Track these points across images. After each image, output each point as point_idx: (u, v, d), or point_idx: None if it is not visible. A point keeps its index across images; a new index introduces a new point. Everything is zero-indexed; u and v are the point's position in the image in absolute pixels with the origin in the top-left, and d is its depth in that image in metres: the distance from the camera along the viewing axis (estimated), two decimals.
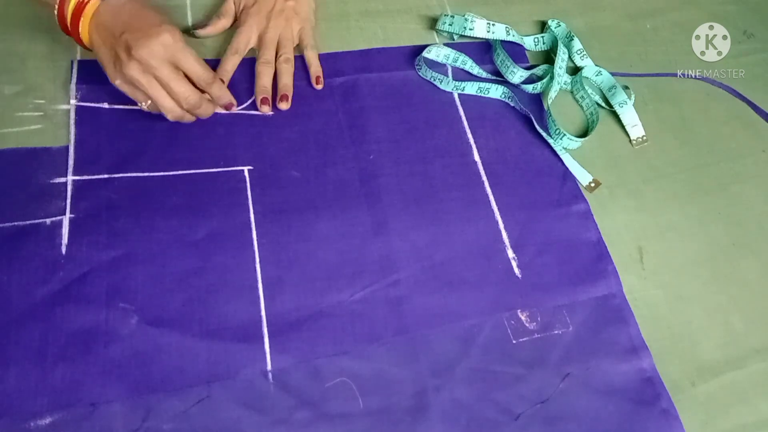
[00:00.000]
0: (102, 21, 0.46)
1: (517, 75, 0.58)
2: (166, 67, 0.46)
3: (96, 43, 0.47)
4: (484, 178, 0.54)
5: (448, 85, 0.58)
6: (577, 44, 0.63)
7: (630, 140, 0.59)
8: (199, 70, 0.48)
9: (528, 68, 0.60)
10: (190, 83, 0.48)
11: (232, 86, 0.53)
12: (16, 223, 0.44)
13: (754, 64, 0.68)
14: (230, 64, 0.54)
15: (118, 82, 0.47)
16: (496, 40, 0.60)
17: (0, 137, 0.47)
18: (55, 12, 0.47)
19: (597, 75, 0.62)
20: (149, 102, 0.47)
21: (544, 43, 0.63)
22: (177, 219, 0.47)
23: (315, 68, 0.56)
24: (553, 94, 0.59)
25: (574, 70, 0.63)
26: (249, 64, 0.55)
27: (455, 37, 0.62)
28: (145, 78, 0.45)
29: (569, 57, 0.63)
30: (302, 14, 0.57)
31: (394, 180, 0.52)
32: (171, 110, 0.47)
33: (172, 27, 0.46)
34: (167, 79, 0.46)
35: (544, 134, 0.57)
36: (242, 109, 0.53)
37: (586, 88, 0.60)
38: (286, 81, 0.54)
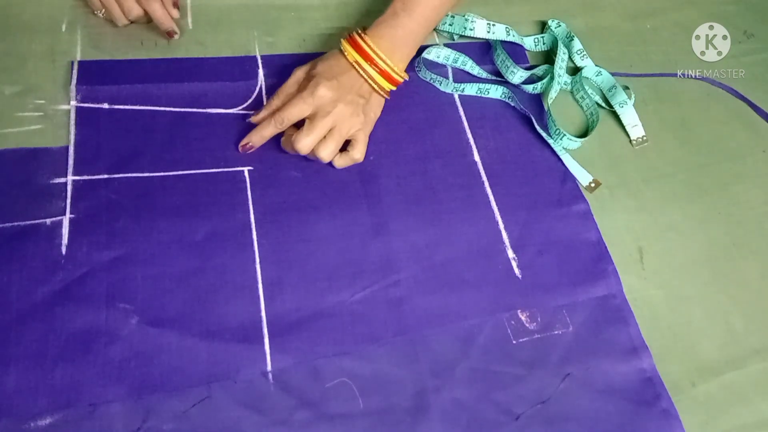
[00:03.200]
0: None
1: (517, 75, 0.58)
2: None
3: None
4: (484, 178, 0.54)
5: (448, 86, 0.58)
6: (577, 44, 0.63)
7: (630, 140, 0.59)
8: None
9: (528, 68, 0.60)
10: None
11: (233, 93, 0.53)
12: (16, 223, 0.44)
13: (754, 64, 0.68)
14: (268, 132, 0.50)
15: None
16: (496, 40, 0.60)
17: (0, 137, 0.47)
18: None
19: (597, 75, 0.62)
20: (104, 11, 0.53)
21: (544, 44, 0.63)
22: (177, 219, 0.47)
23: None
24: (553, 94, 0.59)
25: (574, 71, 0.63)
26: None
27: (455, 37, 0.62)
28: None
29: (569, 57, 0.63)
30: (368, 117, 0.52)
31: (394, 180, 0.52)
32: (119, 19, 0.53)
33: None
34: None
35: (544, 134, 0.57)
36: (242, 110, 0.53)
37: (586, 88, 0.60)
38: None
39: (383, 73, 0.51)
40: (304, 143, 0.48)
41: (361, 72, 0.50)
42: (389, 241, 0.49)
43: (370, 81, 0.51)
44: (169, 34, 0.54)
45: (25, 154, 0.47)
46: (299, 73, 0.51)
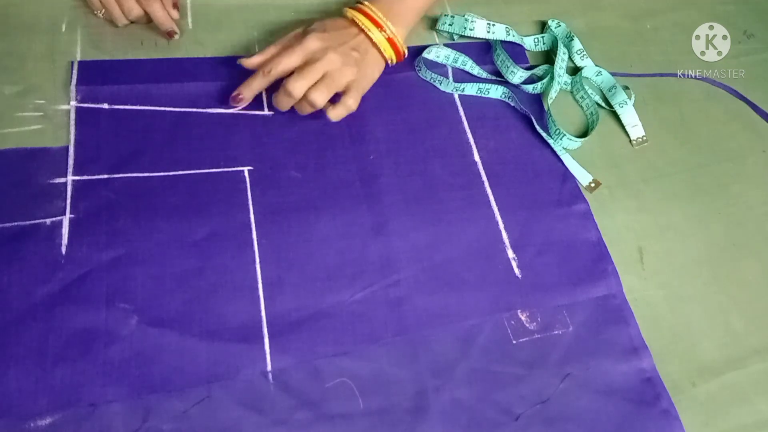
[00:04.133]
0: None
1: (517, 75, 0.58)
2: None
3: None
4: (484, 178, 0.54)
5: (448, 86, 0.58)
6: (577, 44, 0.63)
7: (630, 140, 0.59)
8: None
9: (528, 68, 0.60)
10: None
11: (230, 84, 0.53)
12: (16, 223, 0.44)
13: (754, 64, 0.68)
14: (257, 85, 0.51)
15: None
16: (496, 40, 0.60)
17: (0, 137, 0.47)
18: None
19: (597, 75, 0.62)
20: (103, 11, 0.53)
21: (544, 44, 0.63)
22: (177, 219, 0.47)
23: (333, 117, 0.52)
24: (553, 94, 0.59)
25: (574, 71, 0.63)
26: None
27: (455, 37, 0.62)
28: None
29: (569, 57, 0.63)
30: (363, 72, 0.52)
31: (394, 180, 0.52)
32: (119, 19, 0.53)
33: None
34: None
35: (544, 134, 0.57)
36: (242, 109, 0.53)
37: (586, 88, 0.60)
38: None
39: (390, 41, 0.53)
40: (295, 86, 0.49)
41: (370, 35, 0.52)
42: (389, 241, 0.49)
43: (379, 47, 0.53)
44: (169, 35, 0.54)
45: (25, 154, 0.47)
46: (298, 30, 0.53)
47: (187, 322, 0.43)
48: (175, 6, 0.55)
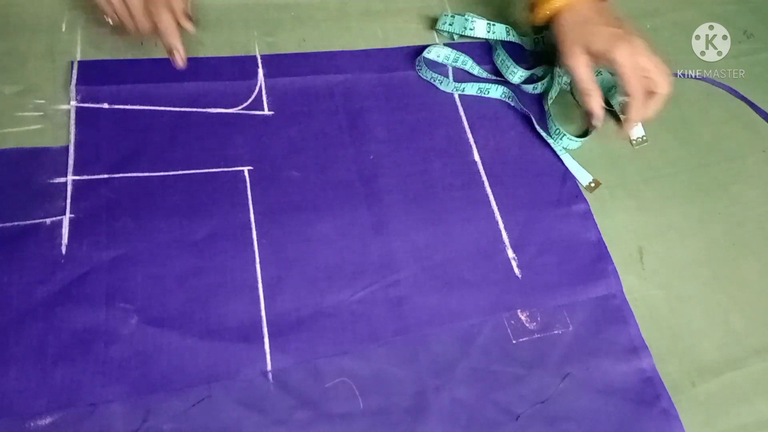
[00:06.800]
0: None
1: (517, 75, 0.58)
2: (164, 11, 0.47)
3: None
4: (484, 178, 0.54)
5: (448, 86, 0.58)
6: None
7: (630, 140, 0.59)
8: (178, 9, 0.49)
9: (528, 68, 0.60)
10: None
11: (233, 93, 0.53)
12: (16, 223, 0.44)
13: (754, 64, 0.68)
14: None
15: None
16: (496, 40, 0.60)
17: (0, 137, 0.47)
18: None
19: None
20: (115, 18, 0.49)
21: (543, 44, 0.63)
22: (177, 219, 0.47)
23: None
24: (553, 94, 0.59)
25: None
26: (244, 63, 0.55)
27: (455, 37, 0.62)
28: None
29: None
30: None
31: (394, 180, 0.52)
32: (132, 32, 0.49)
33: None
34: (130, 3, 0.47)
35: (544, 134, 0.57)
36: (242, 109, 0.53)
37: None
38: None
39: None
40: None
41: None
42: (389, 240, 0.49)
43: None
44: (170, 53, 0.50)
45: (25, 154, 0.47)
46: None
47: (187, 322, 0.43)
48: (189, 17, 0.51)
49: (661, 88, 0.51)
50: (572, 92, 0.62)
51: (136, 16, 0.48)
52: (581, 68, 0.52)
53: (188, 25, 0.50)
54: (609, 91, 0.61)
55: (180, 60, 0.50)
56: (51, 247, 0.44)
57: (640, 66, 0.50)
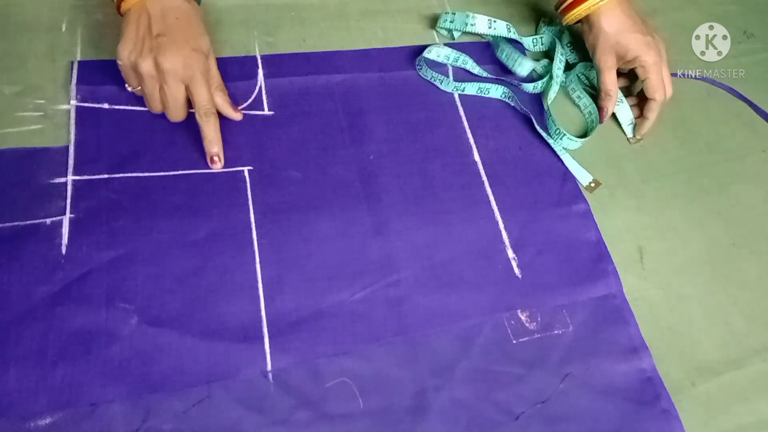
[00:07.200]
0: (149, 8, 0.47)
1: (525, 66, 0.58)
2: (176, 85, 0.47)
3: (130, 20, 0.47)
4: (484, 178, 0.54)
5: (448, 85, 0.58)
6: (566, 38, 0.63)
7: (627, 138, 0.60)
8: (202, 101, 0.48)
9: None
10: (186, 105, 0.49)
11: (233, 93, 0.53)
12: (16, 223, 0.44)
13: (754, 64, 0.68)
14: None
15: (121, 63, 0.47)
16: (498, 36, 0.60)
17: (0, 137, 0.47)
18: None
19: (590, 69, 0.62)
20: (138, 89, 0.49)
21: (542, 44, 0.63)
22: (177, 219, 0.47)
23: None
24: (552, 94, 0.59)
25: (571, 68, 0.63)
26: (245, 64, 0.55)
27: (456, 36, 0.62)
28: (152, 82, 0.46)
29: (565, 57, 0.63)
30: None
31: (394, 180, 0.52)
32: (155, 110, 0.49)
33: (206, 48, 0.48)
34: (170, 97, 0.47)
35: (544, 134, 0.57)
36: (242, 110, 0.53)
37: (581, 88, 0.60)
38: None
39: None
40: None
41: None
42: (389, 240, 0.49)
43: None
44: (212, 161, 0.49)
45: (25, 154, 0.47)
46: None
47: (187, 322, 0.43)
48: (236, 109, 0.51)
49: (667, 93, 0.59)
50: (567, 90, 0.61)
51: (171, 111, 0.48)
52: (611, 72, 0.57)
53: (237, 115, 0.51)
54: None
55: (219, 167, 0.49)
56: (51, 247, 0.44)
57: (663, 73, 0.58)
